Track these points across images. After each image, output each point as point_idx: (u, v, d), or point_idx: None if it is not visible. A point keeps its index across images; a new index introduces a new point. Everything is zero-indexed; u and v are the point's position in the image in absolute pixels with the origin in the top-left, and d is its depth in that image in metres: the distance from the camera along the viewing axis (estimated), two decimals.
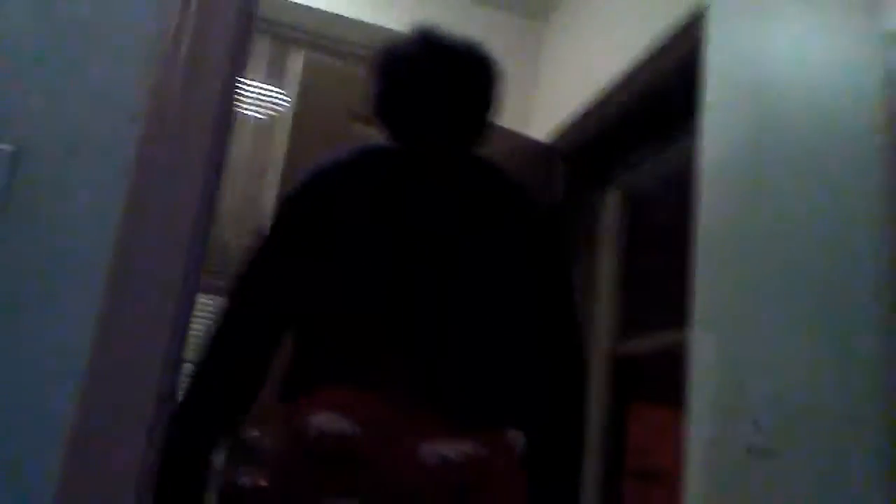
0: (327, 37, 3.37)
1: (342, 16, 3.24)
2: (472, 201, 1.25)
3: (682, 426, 1.73)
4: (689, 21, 2.15)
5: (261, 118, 3.26)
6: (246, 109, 3.25)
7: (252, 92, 3.25)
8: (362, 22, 3.25)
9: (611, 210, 2.89)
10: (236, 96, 1.14)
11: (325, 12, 3.22)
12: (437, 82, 1.26)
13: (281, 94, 3.33)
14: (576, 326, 1.31)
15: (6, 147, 0.90)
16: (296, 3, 3.18)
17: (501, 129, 2.84)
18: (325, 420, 1.04)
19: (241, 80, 1.14)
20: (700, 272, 1.82)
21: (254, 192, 3.19)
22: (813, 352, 1.42)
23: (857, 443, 1.26)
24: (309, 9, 3.20)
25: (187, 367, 1.05)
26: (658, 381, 2.43)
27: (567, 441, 1.23)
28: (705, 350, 1.74)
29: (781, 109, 1.65)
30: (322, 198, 1.20)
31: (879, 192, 1.29)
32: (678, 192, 2.17)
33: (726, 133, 1.86)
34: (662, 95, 2.42)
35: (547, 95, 3.18)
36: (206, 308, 2.95)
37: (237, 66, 1.10)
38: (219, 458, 1.13)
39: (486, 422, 1.10)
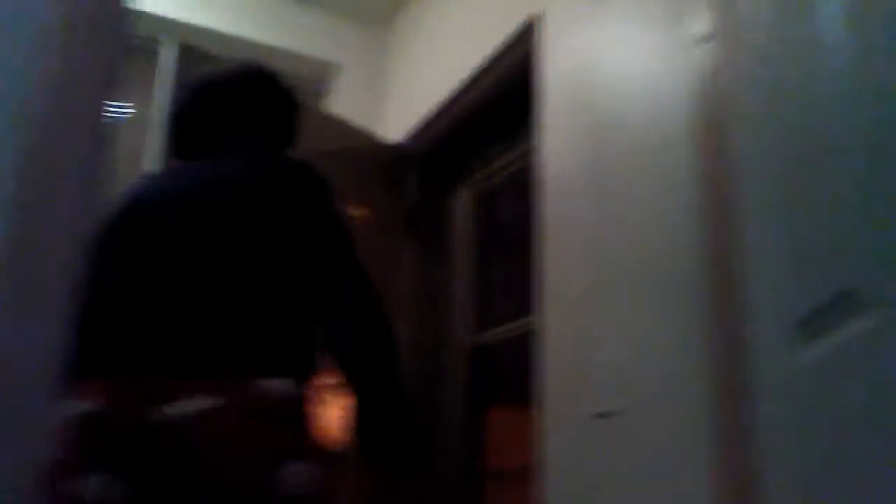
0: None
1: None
2: (222, 183, 1.32)
3: (537, 423, 1.85)
4: (525, 27, 2.28)
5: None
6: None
7: None
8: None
9: (463, 208, 3.00)
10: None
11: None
12: (194, 104, 1.47)
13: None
14: (354, 272, 1.31)
15: None
16: None
17: (351, 129, 2.89)
18: (72, 404, 1.14)
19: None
20: (546, 263, 1.95)
21: None
22: (650, 323, 1.56)
23: (690, 400, 1.41)
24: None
25: None
26: (514, 374, 2.53)
27: (374, 373, 1.26)
28: (553, 331, 1.87)
29: (612, 110, 1.80)
30: (118, 204, 1.35)
31: (696, 182, 1.44)
32: (525, 189, 2.30)
33: (564, 133, 2.00)
34: (504, 98, 2.55)
35: (398, 99, 3.24)
36: None
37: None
38: None
39: (231, 375, 1.14)
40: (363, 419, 1.22)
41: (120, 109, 3.19)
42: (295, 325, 1.24)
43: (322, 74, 3.37)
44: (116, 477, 1.09)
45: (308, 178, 1.32)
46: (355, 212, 2.39)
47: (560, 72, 2.08)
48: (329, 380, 1.25)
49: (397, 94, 3.26)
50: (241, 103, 1.45)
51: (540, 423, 1.83)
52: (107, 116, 1.11)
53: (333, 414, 1.29)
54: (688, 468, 1.39)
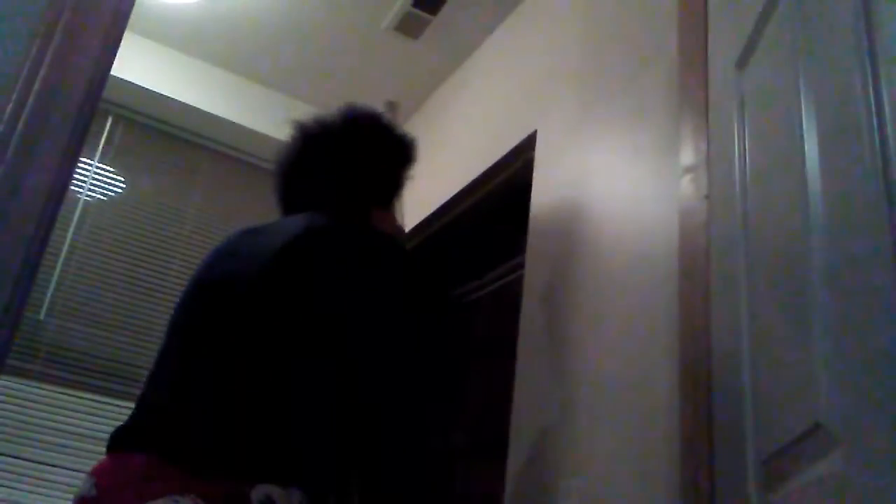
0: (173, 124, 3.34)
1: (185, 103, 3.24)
2: (249, 250, 1.19)
3: None
4: (523, 142, 2.34)
5: (92, 198, 3.12)
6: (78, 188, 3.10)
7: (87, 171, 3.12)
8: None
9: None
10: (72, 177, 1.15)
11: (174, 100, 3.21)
12: (288, 154, 1.40)
13: (112, 174, 3.22)
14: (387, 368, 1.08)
15: None
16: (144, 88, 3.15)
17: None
18: (82, 484, 1.06)
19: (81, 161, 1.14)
20: (521, 382, 1.91)
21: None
22: (617, 445, 1.51)
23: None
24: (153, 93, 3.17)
25: None
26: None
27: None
28: (524, 452, 1.80)
29: (597, 229, 1.82)
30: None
31: (673, 312, 1.43)
32: (512, 304, 2.28)
33: (549, 250, 2.01)
34: (498, 213, 2.59)
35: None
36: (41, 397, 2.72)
37: (74, 148, 1.10)
38: None
39: (224, 474, 0.99)
40: None
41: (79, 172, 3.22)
42: (311, 425, 1.04)
43: None
44: None
45: (338, 243, 1.13)
46: None
47: (550, 189, 2.11)
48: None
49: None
50: (326, 154, 1.35)
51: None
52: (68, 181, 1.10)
53: None
54: None
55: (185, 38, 3.16)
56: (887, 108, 0.78)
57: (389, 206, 1.43)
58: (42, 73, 1.09)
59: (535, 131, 2.29)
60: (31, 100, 1.05)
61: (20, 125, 1.01)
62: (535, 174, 2.23)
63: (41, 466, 2.70)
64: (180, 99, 3.22)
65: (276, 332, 1.07)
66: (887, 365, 0.71)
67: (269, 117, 3.36)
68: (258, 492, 0.96)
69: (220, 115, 3.29)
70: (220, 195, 3.39)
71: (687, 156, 1.48)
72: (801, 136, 0.96)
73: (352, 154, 1.37)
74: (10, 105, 1.03)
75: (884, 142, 0.78)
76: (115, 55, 1.23)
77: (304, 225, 1.19)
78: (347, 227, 1.20)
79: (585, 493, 1.56)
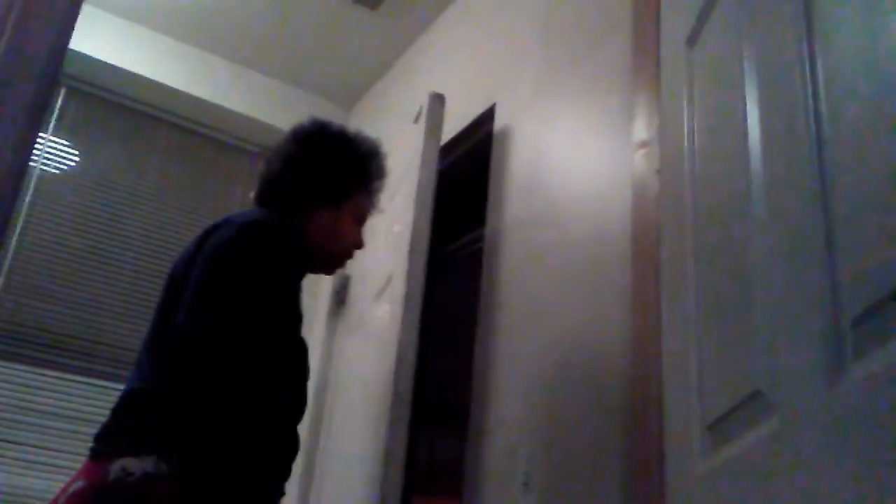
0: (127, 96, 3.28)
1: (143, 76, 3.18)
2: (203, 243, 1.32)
3: None
4: (482, 115, 2.35)
5: (46, 171, 3.07)
6: (33, 162, 3.04)
7: (41, 144, 3.06)
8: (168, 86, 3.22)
9: None
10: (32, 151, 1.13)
11: (127, 70, 3.15)
12: (269, 156, 1.54)
13: (69, 147, 3.16)
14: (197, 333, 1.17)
15: None
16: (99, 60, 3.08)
17: None
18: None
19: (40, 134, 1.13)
20: (480, 339, 1.95)
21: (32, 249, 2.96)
22: (570, 412, 1.56)
23: (602, 470, 1.40)
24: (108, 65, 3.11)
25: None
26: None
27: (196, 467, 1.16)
28: (481, 417, 1.85)
29: (554, 201, 1.85)
30: None
31: (626, 279, 1.47)
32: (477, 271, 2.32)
33: (508, 219, 2.04)
34: (459, 180, 2.60)
35: None
36: None
37: (37, 121, 1.09)
38: None
39: (107, 452, 1.16)
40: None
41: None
42: (170, 396, 1.16)
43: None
44: None
45: (228, 232, 1.28)
46: None
47: (509, 161, 2.14)
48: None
49: None
50: (288, 154, 1.48)
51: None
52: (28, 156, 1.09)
53: None
54: None
55: (139, 10, 3.09)
56: (821, 83, 0.82)
57: (337, 209, 1.49)
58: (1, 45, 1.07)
59: (494, 104, 2.31)
60: None
61: None
62: (493, 147, 2.25)
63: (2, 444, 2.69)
64: (136, 71, 3.16)
65: (194, 326, 1.18)
66: (821, 336, 0.75)
67: (229, 90, 3.33)
68: (115, 465, 1.13)
69: (178, 87, 3.24)
70: (178, 168, 3.35)
71: (640, 131, 1.52)
72: (745, 111, 0.99)
73: (305, 156, 1.49)
74: None
75: (818, 115, 0.81)
76: (73, 27, 1.20)
77: (239, 222, 1.32)
78: (272, 222, 1.34)
79: (536, 458, 1.61)
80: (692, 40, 1.25)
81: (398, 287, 2.03)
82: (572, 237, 1.74)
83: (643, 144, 1.49)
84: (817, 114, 0.82)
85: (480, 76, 2.47)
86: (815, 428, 0.75)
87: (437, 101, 2.26)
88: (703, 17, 1.21)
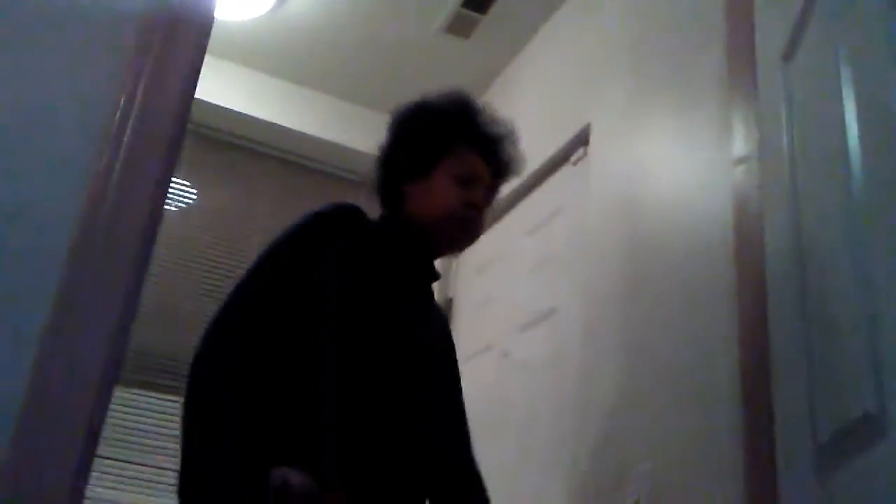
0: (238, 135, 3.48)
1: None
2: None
3: None
4: (577, 135, 2.36)
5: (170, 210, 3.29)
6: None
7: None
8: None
9: None
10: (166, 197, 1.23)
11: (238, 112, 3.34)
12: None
13: (186, 186, 3.38)
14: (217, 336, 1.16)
15: None
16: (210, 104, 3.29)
17: None
18: None
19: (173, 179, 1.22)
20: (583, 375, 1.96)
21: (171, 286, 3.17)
22: (683, 431, 1.54)
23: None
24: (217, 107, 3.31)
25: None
26: None
27: None
28: (593, 435, 1.85)
29: (654, 219, 1.84)
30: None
31: (730, 293, 1.45)
32: None
33: (604, 239, 2.04)
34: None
35: None
36: (128, 401, 2.90)
37: (170, 166, 1.19)
38: None
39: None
40: None
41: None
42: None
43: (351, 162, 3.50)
44: None
45: (294, 227, 1.24)
46: None
47: (603, 180, 2.14)
48: None
49: None
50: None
51: None
52: (163, 203, 1.19)
53: None
54: None
55: (242, 52, 3.28)
56: None
57: (427, 179, 1.37)
58: (138, 97, 1.18)
59: (589, 123, 2.32)
60: (130, 123, 1.14)
61: (122, 150, 1.11)
62: (590, 166, 2.26)
63: (134, 466, 2.88)
64: (242, 110, 3.35)
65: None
66: None
67: (330, 123, 3.47)
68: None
69: (283, 124, 3.40)
70: (286, 200, 3.51)
71: (739, 146, 1.50)
72: (843, 125, 0.98)
73: (385, 142, 1.45)
74: (114, 128, 1.12)
75: None
76: (198, 75, 1.28)
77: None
78: (323, 209, 1.29)
79: (655, 478, 1.59)
80: (788, 55, 1.24)
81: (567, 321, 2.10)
82: (673, 255, 1.73)
83: (742, 160, 1.47)
84: None
85: (573, 96, 2.48)
86: None
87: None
88: (798, 31, 1.20)
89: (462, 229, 1.38)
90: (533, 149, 2.64)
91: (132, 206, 1.10)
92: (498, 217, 2.70)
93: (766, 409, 1.24)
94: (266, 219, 3.43)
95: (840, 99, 1.00)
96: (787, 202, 1.21)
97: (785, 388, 1.15)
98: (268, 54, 3.28)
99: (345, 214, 1.30)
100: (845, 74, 0.99)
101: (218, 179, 3.45)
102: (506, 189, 1.59)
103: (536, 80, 2.86)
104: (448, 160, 1.38)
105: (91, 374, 0.98)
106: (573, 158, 2.40)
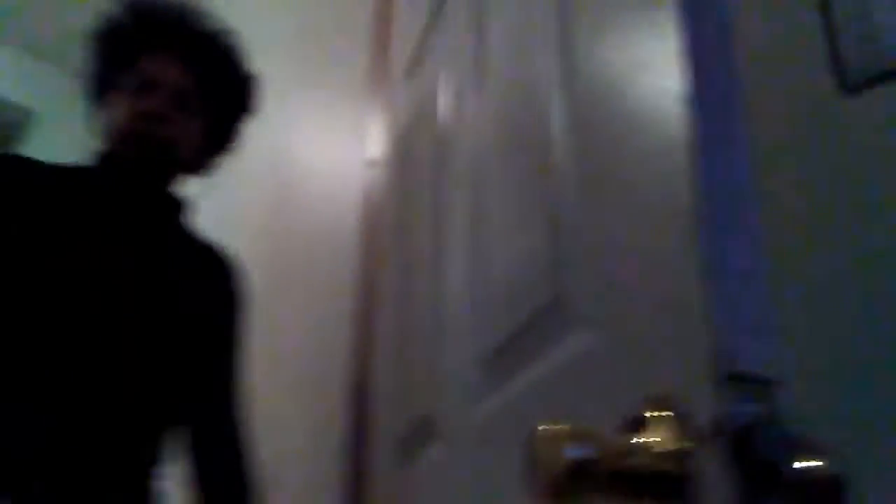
0: None
1: None
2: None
3: None
4: None
5: None
6: None
7: None
8: None
9: None
10: None
11: None
12: None
13: None
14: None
15: None
16: None
17: None
18: None
19: None
20: None
21: None
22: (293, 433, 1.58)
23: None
24: None
25: None
26: None
27: None
28: None
29: (294, 194, 1.86)
30: None
31: (351, 289, 1.52)
32: None
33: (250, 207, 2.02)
34: None
35: None
36: None
37: None
38: None
39: None
40: None
41: None
42: None
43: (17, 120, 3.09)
44: None
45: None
46: None
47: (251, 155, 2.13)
48: None
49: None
50: None
51: None
52: None
53: None
54: None
55: None
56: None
57: (102, 105, 1.23)
58: None
59: None
60: None
61: None
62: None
63: None
64: None
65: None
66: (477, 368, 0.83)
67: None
68: None
69: None
70: None
71: (372, 150, 1.57)
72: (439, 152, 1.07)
73: None
74: None
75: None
76: None
77: None
78: None
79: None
80: (410, 72, 1.32)
81: None
82: (305, 243, 1.76)
83: (374, 163, 1.54)
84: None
85: None
86: (468, 460, 0.83)
87: None
88: (418, 51, 1.28)
89: (132, 143, 1.17)
90: None
91: None
92: None
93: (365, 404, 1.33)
94: None
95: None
96: (399, 202, 1.30)
97: (381, 394, 1.23)
98: None
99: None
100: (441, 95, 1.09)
101: None
102: None
103: None
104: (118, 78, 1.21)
105: None
106: None
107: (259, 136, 2.11)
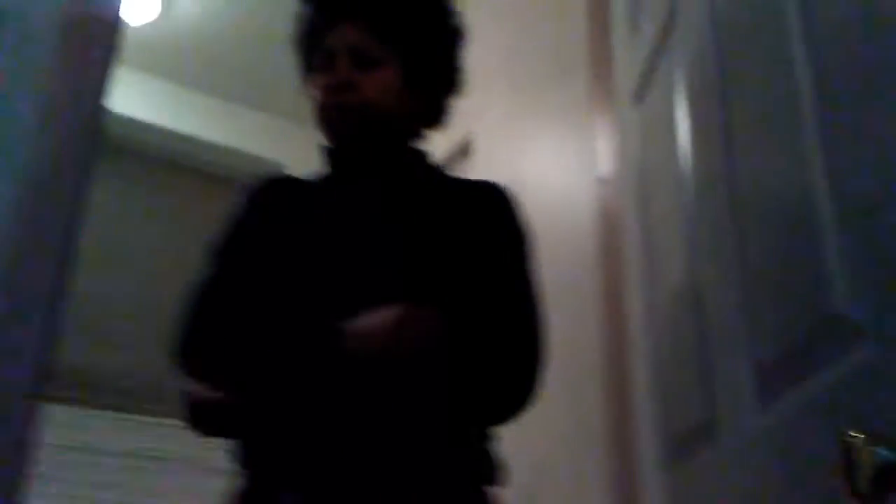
0: None
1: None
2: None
3: None
4: (459, 148, 2.50)
5: None
6: None
7: None
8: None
9: None
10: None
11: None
12: None
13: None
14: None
15: None
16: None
17: None
18: None
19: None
20: None
21: None
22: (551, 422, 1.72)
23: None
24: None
25: None
26: None
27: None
28: None
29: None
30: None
31: (597, 298, 1.62)
32: None
33: None
34: None
35: None
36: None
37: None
38: None
39: None
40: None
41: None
42: None
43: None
44: None
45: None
46: None
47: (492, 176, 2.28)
48: None
49: None
50: None
51: None
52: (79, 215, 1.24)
53: None
54: None
55: (135, 57, 3.23)
56: (738, 146, 0.97)
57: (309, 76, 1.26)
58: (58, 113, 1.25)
59: (470, 134, 2.45)
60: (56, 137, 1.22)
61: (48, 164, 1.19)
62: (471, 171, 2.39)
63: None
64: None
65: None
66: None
67: (222, 127, 3.50)
68: None
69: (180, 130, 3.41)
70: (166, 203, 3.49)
71: (603, 169, 1.67)
72: (683, 169, 1.15)
73: None
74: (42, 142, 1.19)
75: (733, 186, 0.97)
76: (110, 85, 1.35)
77: None
78: None
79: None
80: (639, 96, 1.41)
81: None
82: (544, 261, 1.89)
83: (605, 182, 1.64)
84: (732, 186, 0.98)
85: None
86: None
87: None
88: (647, 76, 1.36)
89: (328, 115, 1.18)
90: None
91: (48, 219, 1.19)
92: None
93: (629, 400, 1.44)
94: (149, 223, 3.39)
95: (675, 141, 1.18)
96: (641, 217, 1.39)
97: (648, 399, 1.33)
98: (158, 57, 3.25)
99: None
100: (679, 118, 1.17)
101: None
102: None
103: None
104: (311, 65, 1.24)
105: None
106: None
107: (491, 164, 2.29)
